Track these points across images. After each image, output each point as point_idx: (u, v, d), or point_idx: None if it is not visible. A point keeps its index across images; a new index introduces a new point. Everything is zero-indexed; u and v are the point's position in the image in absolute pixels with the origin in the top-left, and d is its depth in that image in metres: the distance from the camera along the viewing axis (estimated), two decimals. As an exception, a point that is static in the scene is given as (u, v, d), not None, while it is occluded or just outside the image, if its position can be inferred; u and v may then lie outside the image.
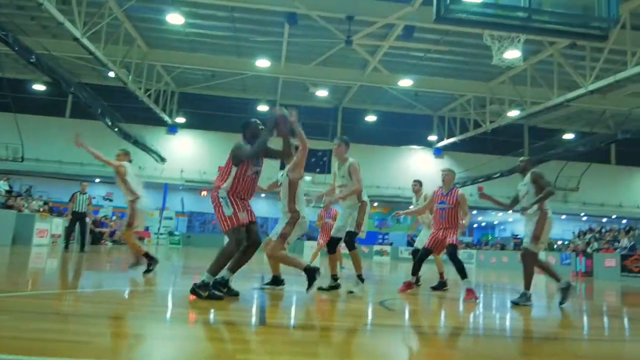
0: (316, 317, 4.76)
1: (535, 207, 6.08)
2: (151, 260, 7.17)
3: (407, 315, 5.46)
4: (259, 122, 5.46)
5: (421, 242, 7.95)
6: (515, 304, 6.11)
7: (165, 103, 27.36)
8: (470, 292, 6.55)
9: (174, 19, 18.35)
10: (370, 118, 29.94)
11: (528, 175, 6.32)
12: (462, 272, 6.57)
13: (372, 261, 25.53)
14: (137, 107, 24.93)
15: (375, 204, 32.51)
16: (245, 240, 5.03)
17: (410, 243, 30.42)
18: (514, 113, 22.79)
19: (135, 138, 24.26)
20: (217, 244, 28.61)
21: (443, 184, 7.04)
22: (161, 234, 28.68)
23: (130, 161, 7.80)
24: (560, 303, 6.15)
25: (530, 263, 6.17)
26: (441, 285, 7.92)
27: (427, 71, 22.61)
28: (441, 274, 8.06)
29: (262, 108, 28.85)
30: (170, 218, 30.13)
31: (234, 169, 5.16)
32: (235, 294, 5.17)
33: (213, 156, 29.31)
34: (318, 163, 29.29)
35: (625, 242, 20.28)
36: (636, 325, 5.84)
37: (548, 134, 29.88)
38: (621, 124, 23.41)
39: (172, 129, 29.53)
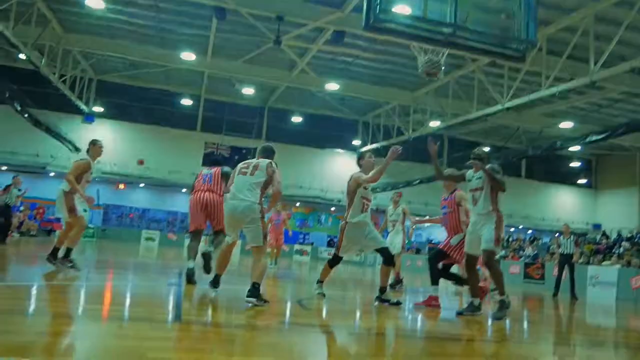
0: (234, 316, 4.77)
1: (490, 208, 5.84)
2: (53, 258, 6.69)
3: (323, 315, 5.58)
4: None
5: (392, 245, 8.61)
6: (461, 314, 5.93)
7: (82, 90, 25.80)
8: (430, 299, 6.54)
9: (94, 2, 17.32)
10: (297, 119, 29.92)
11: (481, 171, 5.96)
12: (433, 279, 6.54)
13: (292, 260, 25.75)
14: (50, 93, 23.37)
15: (297, 204, 32.54)
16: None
17: (330, 243, 30.74)
18: (435, 123, 23.55)
19: (47, 125, 22.75)
20: (134, 238, 27.70)
21: (444, 188, 7.02)
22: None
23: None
24: (496, 318, 5.80)
25: (495, 264, 5.94)
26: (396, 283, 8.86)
27: (354, 76, 22.86)
28: (397, 274, 9.01)
29: (186, 102, 28.03)
30: (85, 210, 28.51)
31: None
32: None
33: (132, 148, 28.15)
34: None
35: (529, 251, 21.57)
36: (535, 328, 6.20)
37: (466, 146, 31.11)
38: (533, 140, 24.88)
39: (89, 118, 27.93)
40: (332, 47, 18.48)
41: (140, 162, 27.83)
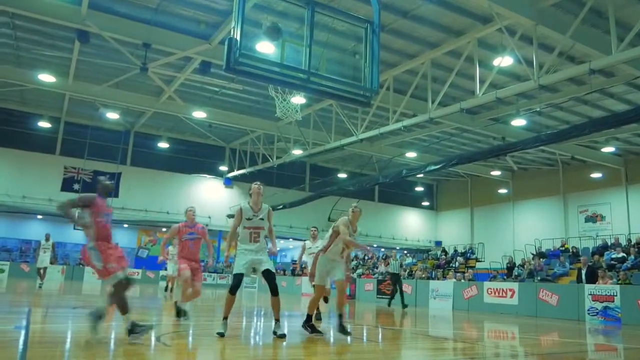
0: None
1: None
2: None
3: (188, 354, 5.26)
4: None
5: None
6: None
7: None
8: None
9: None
10: (163, 144, 29.75)
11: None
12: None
13: (158, 287, 25.25)
14: None
15: (164, 230, 32.07)
16: None
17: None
18: (298, 151, 25.03)
19: None
20: None
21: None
22: None
23: None
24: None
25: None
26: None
27: (221, 105, 23.63)
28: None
29: (44, 124, 26.54)
30: None
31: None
32: None
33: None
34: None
35: (382, 268, 23.71)
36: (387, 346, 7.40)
37: (326, 172, 33.34)
38: (384, 168, 27.48)
39: None
40: (200, 77, 19.05)
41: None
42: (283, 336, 6.06)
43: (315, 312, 7.31)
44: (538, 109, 18.84)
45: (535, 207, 30.25)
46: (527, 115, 20.21)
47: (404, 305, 15.91)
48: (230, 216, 30.13)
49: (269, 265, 6.22)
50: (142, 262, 31.56)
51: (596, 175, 26.76)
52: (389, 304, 16.73)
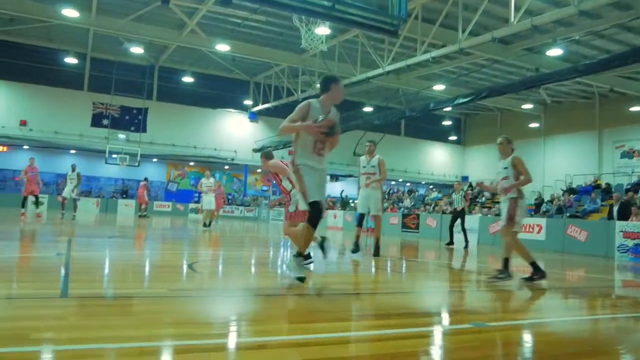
0: (123, 286, 4.53)
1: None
2: None
3: (217, 279, 5.51)
4: None
5: (362, 205, 8.48)
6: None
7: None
8: None
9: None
10: (188, 79, 29.63)
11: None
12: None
13: (187, 219, 26.05)
14: None
15: (192, 164, 32.59)
16: None
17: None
18: (323, 85, 24.58)
19: None
20: (19, 203, 25.76)
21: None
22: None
23: None
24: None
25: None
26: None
27: (244, 38, 23.17)
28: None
29: (71, 60, 26.57)
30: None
31: None
32: None
33: (13, 108, 26.39)
34: (133, 121, 28.26)
35: (407, 202, 23.73)
36: (412, 275, 7.46)
37: (351, 106, 32.84)
38: (410, 102, 26.89)
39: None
40: (222, 8, 18.60)
41: (23, 123, 26.24)
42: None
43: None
44: (577, 37, 17.89)
45: (567, 143, 29.44)
46: (564, 45, 19.26)
47: (466, 242, 14.30)
48: (256, 150, 30.27)
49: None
50: (171, 195, 32.30)
51: (636, 108, 25.63)
52: (451, 243, 14.33)
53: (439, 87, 25.64)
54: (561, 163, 28.47)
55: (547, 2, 16.33)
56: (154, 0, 18.33)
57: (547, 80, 17.97)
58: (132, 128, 27.54)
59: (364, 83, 23.98)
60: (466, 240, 14.28)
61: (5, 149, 27.25)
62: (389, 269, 7.45)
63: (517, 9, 14.69)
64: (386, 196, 27.12)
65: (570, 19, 16.13)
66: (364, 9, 8.22)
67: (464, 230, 14.30)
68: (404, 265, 8.15)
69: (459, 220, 14.43)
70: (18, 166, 29.39)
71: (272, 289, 4.80)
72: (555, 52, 19.76)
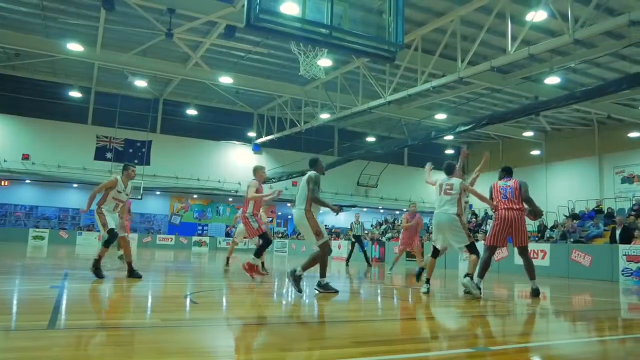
0: (115, 316, 4.60)
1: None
2: None
3: (218, 308, 5.47)
4: None
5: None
6: None
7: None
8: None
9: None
10: (192, 112, 29.99)
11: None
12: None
13: (191, 252, 25.92)
14: None
15: (195, 197, 32.67)
16: None
17: (227, 234, 31.31)
18: (325, 116, 24.88)
19: None
20: (20, 238, 26.03)
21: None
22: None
23: None
24: None
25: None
26: None
27: (248, 70, 23.53)
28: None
29: (75, 94, 27.01)
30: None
31: None
32: None
33: (16, 142, 26.70)
34: (136, 154, 28.50)
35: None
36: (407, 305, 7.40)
37: (354, 136, 33.15)
38: (412, 131, 27.09)
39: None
40: (225, 42, 18.96)
41: (25, 157, 26.51)
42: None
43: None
44: (573, 65, 18.13)
45: (568, 169, 29.49)
46: (562, 73, 19.50)
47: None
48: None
49: None
50: (175, 229, 32.28)
51: (634, 134, 25.81)
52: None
53: (440, 116, 25.86)
54: (563, 189, 28.43)
55: (543, 31, 16.62)
56: (158, 34, 18.70)
57: (545, 107, 18.16)
58: (136, 161, 27.76)
59: (367, 113, 24.21)
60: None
61: (6, 183, 27.45)
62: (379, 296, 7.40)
63: (513, 38, 14.94)
64: (390, 225, 27.04)
65: (566, 48, 16.36)
66: (361, 37, 8.31)
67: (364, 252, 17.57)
68: (409, 293, 8.10)
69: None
70: (19, 201, 29.77)
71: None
72: (553, 80, 19.99)
